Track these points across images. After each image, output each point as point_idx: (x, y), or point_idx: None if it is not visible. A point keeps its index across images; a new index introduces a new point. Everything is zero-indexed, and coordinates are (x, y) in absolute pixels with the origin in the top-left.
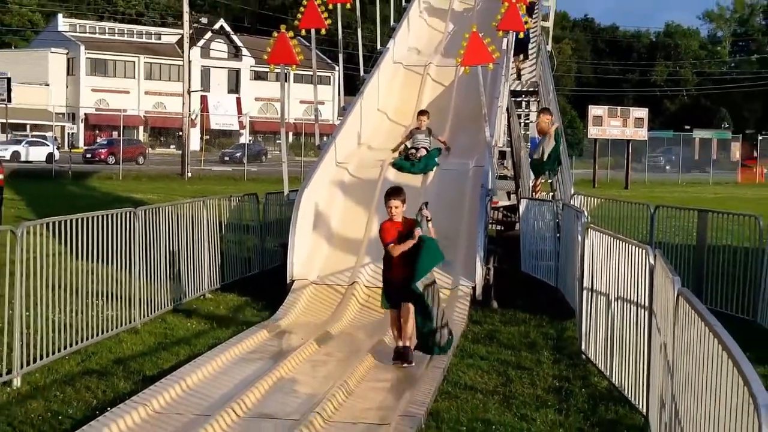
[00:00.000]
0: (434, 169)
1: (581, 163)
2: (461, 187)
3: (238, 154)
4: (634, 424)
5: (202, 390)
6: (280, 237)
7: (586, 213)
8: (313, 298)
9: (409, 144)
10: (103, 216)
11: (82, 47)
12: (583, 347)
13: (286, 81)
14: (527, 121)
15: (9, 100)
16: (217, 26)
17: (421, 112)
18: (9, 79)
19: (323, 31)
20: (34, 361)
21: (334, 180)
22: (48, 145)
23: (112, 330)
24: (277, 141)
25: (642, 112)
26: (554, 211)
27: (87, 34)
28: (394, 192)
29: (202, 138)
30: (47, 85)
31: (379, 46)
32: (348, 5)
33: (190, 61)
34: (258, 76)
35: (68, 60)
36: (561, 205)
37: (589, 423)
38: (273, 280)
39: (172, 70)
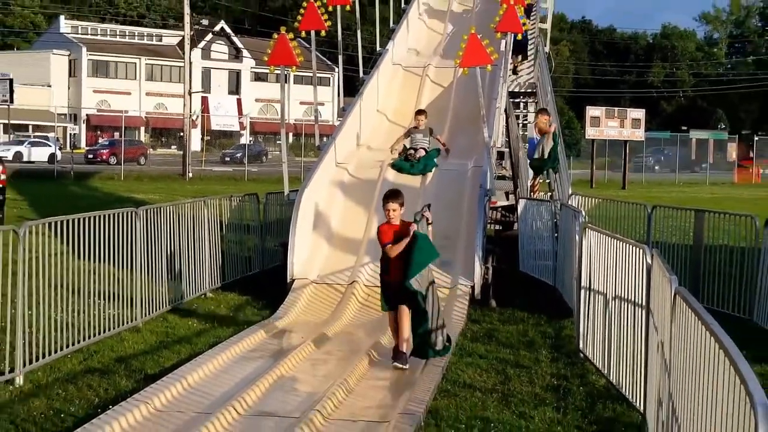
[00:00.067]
0: (433, 170)
1: (579, 163)
2: (460, 188)
3: (238, 155)
4: (632, 422)
5: (203, 388)
6: (281, 237)
7: (583, 213)
8: (313, 297)
9: (407, 144)
10: (104, 216)
11: (84, 49)
12: (580, 346)
13: (286, 82)
14: (525, 122)
15: (11, 101)
16: (217, 28)
17: (419, 112)
18: (11, 81)
19: (323, 33)
20: (37, 359)
21: (334, 180)
22: (50, 146)
23: (113, 329)
24: (278, 142)
25: (639, 113)
26: (552, 211)
27: (89, 36)
28: (392, 195)
29: (202, 139)
30: (49, 86)
31: (378, 48)
32: (348, 7)
33: (191, 63)
34: (258, 78)
35: (70, 61)
36: (559, 205)
37: (587, 421)
38: (273, 280)
39: (173, 71)
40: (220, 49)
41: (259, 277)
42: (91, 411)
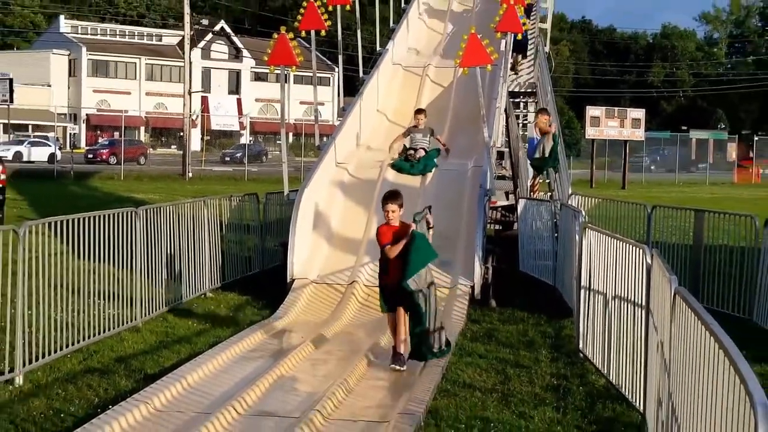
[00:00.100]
0: (433, 170)
1: (579, 163)
2: (460, 188)
3: (238, 155)
4: (631, 422)
5: (203, 388)
6: (281, 236)
7: (583, 213)
8: (313, 297)
9: (407, 144)
10: (104, 216)
11: (84, 48)
12: (580, 346)
13: (286, 82)
14: (525, 122)
15: (11, 100)
16: (217, 28)
17: (418, 111)
18: (11, 80)
19: (323, 33)
20: (36, 359)
21: (334, 180)
22: (50, 146)
23: (113, 329)
24: (277, 141)
25: (639, 113)
26: (552, 211)
27: (88, 36)
28: (391, 196)
29: (202, 138)
30: (49, 86)
31: (378, 48)
32: (348, 7)
33: (190, 63)
34: (258, 77)
35: (70, 61)
36: (559, 205)
37: (587, 420)
38: (273, 280)
39: (173, 71)
40: (220, 48)
41: (259, 277)
42: (90, 411)
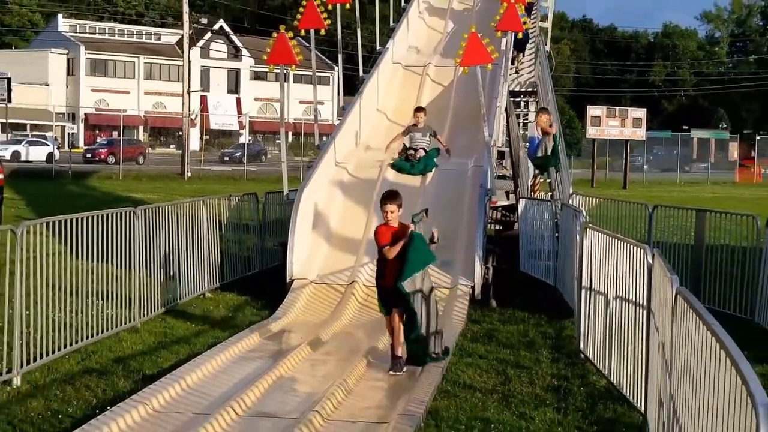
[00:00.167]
0: (433, 170)
1: (579, 163)
2: (460, 187)
3: (237, 154)
4: (633, 423)
5: (202, 389)
6: (280, 236)
7: (584, 213)
8: (312, 297)
9: (407, 143)
10: (103, 215)
11: (82, 47)
12: (581, 346)
13: (285, 81)
14: (526, 121)
15: (9, 100)
16: (216, 27)
17: (418, 109)
18: (9, 79)
19: (323, 32)
20: (34, 360)
21: (334, 180)
22: (48, 145)
23: (111, 329)
24: (277, 141)
25: (640, 113)
26: (553, 211)
27: (87, 35)
28: (390, 196)
29: (201, 138)
30: (47, 85)
31: (378, 47)
32: (347, 5)
33: (189, 62)
34: (257, 77)
35: (68, 60)
36: (560, 205)
37: (588, 421)
38: (272, 280)
39: (171, 70)
40: (219, 47)
41: (258, 277)
42: (89, 412)
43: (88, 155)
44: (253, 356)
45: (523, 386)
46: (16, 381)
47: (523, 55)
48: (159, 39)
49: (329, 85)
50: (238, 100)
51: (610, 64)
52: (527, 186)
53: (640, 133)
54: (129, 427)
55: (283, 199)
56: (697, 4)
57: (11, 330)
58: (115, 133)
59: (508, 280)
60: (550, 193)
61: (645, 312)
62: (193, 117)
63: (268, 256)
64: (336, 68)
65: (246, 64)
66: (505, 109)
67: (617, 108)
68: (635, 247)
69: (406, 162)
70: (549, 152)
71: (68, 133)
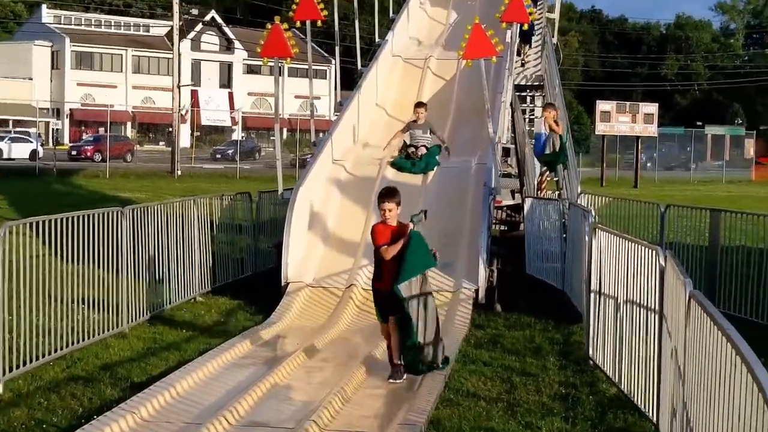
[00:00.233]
0: (435, 168)
1: (588, 160)
2: (463, 186)
3: (230, 151)
4: None
5: (193, 397)
6: (274, 237)
7: (593, 212)
8: (308, 301)
9: (407, 140)
10: (89, 216)
11: (67, 39)
12: (590, 352)
13: (280, 75)
14: (532, 117)
15: None
16: (208, 17)
17: (418, 104)
18: None
19: (319, 23)
20: (17, 367)
21: (331, 178)
22: (31, 142)
23: (98, 335)
24: (271, 137)
25: (652, 108)
26: (560, 211)
27: (72, 26)
28: (388, 194)
29: (192, 134)
30: (30, 79)
31: (377, 39)
32: None
33: (179, 54)
34: (251, 70)
35: (53, 53)
36: (567, 205)
37: (597, 431)
38: (267, 283)
39: (161, 63)
40: (210, 39)
41: (251, 280)
42: (74, 421)
43: (74, 152)
44: (246, 363)
45: (530, 394)
46: None
47: (529, 48)
48: (148, 30)
49: (326, 79)
50: (231, 95)
51: (620, 57)
52: (533, 184)
53: (652, 129)
54: None
55: (278, 199)
56: None
57: None
58: (101, 130)
59: (514, 283)
60: (557, 192)
61: (657, 317)
62: (183, 112)
63: (262, 259)
64: (333, 61)
65: (239, 57)
66: (510, 104)
67: (628, 103)
68: (647, 249)
69: (406, 160)
70: (558, 149)
71: (53, 130)
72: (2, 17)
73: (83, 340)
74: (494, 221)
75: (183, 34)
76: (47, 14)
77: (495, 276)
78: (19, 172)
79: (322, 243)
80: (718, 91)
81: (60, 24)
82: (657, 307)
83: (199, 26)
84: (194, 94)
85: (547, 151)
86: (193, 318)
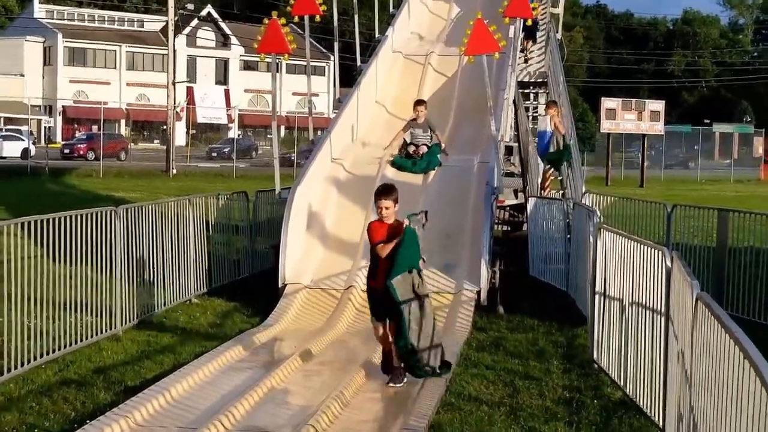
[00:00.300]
0: (436, 167)
1: (593, 159)
2: (465, 185)
3: (226, 150)
4: None
5: (188, 401)
6: (272, 238)
7: (598, 212)
8: (306, 303)
9: (407, 139)
10: (81, 215)
11: (60, 35)
12: (595, 356)
13: (277, 71)
14: (535, 114)
15: None
16: (204, 13)
17: (418, 102)
18: None
19: (318, 18)
20: (9, 370)
21: (329, 177)
22: (23, 140)
23: (91, 337)
24: (268, 135)
25: (658, 105)
26: (564, 211)
27: (65, 21)
28: (385, 191)
29: (187, 132)
30: (22, 75)
31: (377, 34)
32: None
33: (175, 50)
34: (248, 66)
35: (45, 49)
36: (572, 204)
37: None
38: (264, 284)
39: (156, 59)
40: (206, 35)
41: (248, 282)
42: (67, 426)
43: (66, 151)
44: (242, 366)
45: (533, 399)
46: None
47: (533, 44)
48: (142, 26)
49: (324, 75)
50: (227, 92)
51: (626, 53)
52: (537, 184)
53: (658, 127)
54: None
55: (275, 198)
56: None
57: None
58: (95, 127)
59: (517, 284)
60: (561, 192)
61: (663, 319)
62: (178, 110)
63: (258, 259)
64: (332, 57)
65: (235, 53)
66: (513, 102)
67: (634, 100)
68: (653, 250)
69: (407, 160)
70: (562, 147)
71: (45, 127)
72: None
73: (76, 342)
74: (497, 221)
75: (178, 30)
76: (39, 9)
77: (497, 277)
78: (10, 171)
79: (321, 244)
80: (727, 88)
81: (52, 19)
82: (663, 309)
83: (195, 22)
84: (190, 91)
85: (552, 149)
86: (188, 320)
